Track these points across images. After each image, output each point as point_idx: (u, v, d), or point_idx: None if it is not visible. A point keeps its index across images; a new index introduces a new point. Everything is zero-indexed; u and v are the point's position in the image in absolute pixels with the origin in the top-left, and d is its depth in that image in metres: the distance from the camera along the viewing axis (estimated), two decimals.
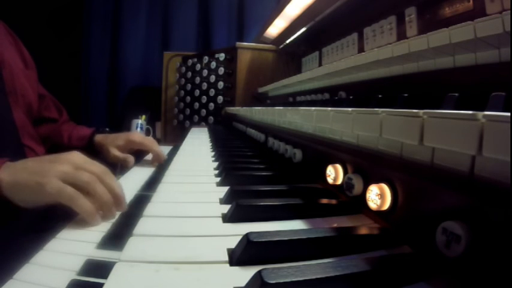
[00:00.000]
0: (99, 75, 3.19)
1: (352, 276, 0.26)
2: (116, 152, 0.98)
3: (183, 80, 2.35)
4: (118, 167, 0.97)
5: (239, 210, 0.42)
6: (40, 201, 0.50)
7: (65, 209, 0.48)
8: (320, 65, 1.46)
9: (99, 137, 1.07)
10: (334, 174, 0.51)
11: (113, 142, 1.01)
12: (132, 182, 0.73)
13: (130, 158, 0.96)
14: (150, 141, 0.98)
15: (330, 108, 0.53)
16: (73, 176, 0.49)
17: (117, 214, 0.52)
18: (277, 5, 1.55)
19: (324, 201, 0.48)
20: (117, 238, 0.43)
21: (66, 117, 1.19)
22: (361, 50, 1.11)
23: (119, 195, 0.52)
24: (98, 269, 0.36)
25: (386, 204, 0.38)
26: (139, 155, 1.02)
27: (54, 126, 1.12)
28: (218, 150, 0.95)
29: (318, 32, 1.51)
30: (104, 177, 0.52)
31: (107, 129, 1.13)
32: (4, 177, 0.51)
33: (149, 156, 1.05)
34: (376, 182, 0.40)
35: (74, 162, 0.52)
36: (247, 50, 2.07)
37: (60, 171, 0.49)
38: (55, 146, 1.06)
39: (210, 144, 1.15)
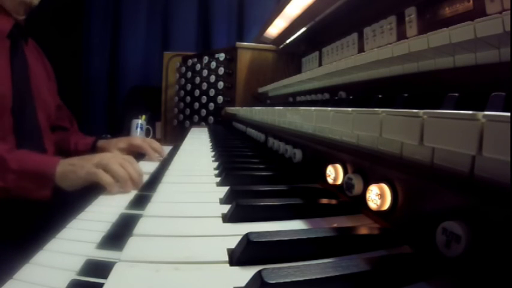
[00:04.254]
0: (99, 75, 3.19)
1: (352, 276, 0.26)
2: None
3: (183, 80, 2.35)
4: None
5: (239, 210, 0.42)
6: (80, 184, 0.73)
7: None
8: (320, 65, 1.46)
9: (101, 142, 1.18)
10: (334, 174, 0.51)
11: (116, 145, 1.12)
12: None
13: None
14: (146, 145, 1.10)
15: (330, 108, 0.53)
16: (101, 162, 0.72)
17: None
18: (277, 5, 1.55)
19: (324, 201, 0.48)
20: (117, 238, 0.43)
21: (76, 127, 1.32)
22: (361, 50, 1.11)
23: (133, 176, 0.72)
24: (98, 269, 0.36)
25: (386, 204, 0.38)
26: (140, 155, 1.10)
27: (64, 135, 1.23)
28: (218, 150, 0.95)
29: (318, 32, 1.51)
30: (124, 162, 0.73)
31: (108, 135, 1.27)
32: (59, 171, 0.74)
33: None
34: (376, 182, 0.40)
35: (104, 155, 0.77)
36: (247, 50, 2.07)
37: (93, 162, 0.73)
38: (62, 151, 1.15)
39: (210, 144, 1.15)
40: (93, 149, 1.17)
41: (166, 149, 1.31)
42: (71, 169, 0.73)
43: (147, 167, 0.93)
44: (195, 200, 0.50)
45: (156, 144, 1.14)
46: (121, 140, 1.15)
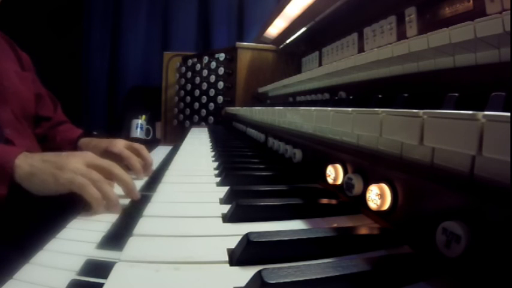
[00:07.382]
0: (99, 75, 3.19)
1: (352, 276, 0.26)
2: None
3: (183, 80, 2.35)
4: None
5: (239, 210, 0.42)
6: (53, 190, 0.55)
7: (75, 198, 0.54)
8: (320, 65, 1.46)
9: (83, 141, 0.98)
10: (334, 174, 0.51)
11: (93, 150, 0.86)
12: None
13: None
14: (133, 159, 0.80)
15: (330, 108, 0.53)
16: (84, 172, 0.55)
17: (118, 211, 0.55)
18: (277, 5, 1.55)
19: (324, 201, 0.48)
20: (117, 238, 0.43)
21: (60, 113, 1.16)
22: (361, 50, 1.11)
23: (128, 184, 0.59)
24: (98, 269, 0.36)
25: (386, 204, 0.38)
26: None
27: (50, 129, 1.09)
28: (218, 150, 0.95)
29: (318, 32, 1.51)
30: (113, 170, 0.59)
31: (94, 132, 1.06)
32: (22, 166, 0.56)
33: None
34: (376, 182, 0.40)
35: (86, 160, 0.59)
36: (247, 50, 2.07)
37: (74, 166, 0.56)
38: (48, 147, 1.01)
39: (210, 144, 1.15)
40: (74, 147, 0.98)
41: (166, 149, 1.31)
42: (44, 168, 0.56)
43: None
44: (195, 200, 0.50)
45: (144, 151, 0.84)
46: (101, 143, 0.90)
